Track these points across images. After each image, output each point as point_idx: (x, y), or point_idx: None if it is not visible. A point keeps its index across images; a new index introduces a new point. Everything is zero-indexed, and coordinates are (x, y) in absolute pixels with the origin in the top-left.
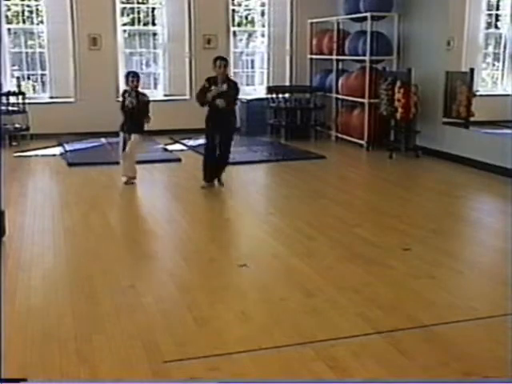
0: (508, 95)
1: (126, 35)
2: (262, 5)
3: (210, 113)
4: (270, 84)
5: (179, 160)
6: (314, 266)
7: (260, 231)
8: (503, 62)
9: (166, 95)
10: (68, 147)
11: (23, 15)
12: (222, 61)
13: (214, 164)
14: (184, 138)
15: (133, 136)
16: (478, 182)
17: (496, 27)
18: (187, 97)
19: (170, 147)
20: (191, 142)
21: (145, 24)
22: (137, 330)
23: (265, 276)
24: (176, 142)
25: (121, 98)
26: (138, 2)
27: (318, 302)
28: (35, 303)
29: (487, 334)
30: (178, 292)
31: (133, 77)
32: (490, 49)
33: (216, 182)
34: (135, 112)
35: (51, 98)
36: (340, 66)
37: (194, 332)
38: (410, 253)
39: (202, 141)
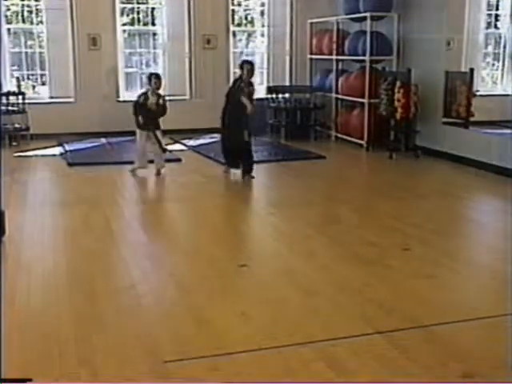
0: (508, 95)
1: (126, 35)
2: (262, 5)
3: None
4: (270, 84)
5: (179, 160)
6: (314, 266)
7: (260, 231)
8: (503, 62)
9: (166, 95)
10: (68, 147)
11: (23, 15)
12: (249, 65)
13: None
14: (184, 138)
15: (158, 132)
16: (477, 182)
17: (496, 27)
18: (187, 97)
19: (170, 147)
20: (191, 142)
21: (144, 24)
22: (137, 330)
23: (265, 276)
24: (176, 142)
25: (135, 98)
26: (138, 2)
27: (318, 302)
28: (35, 303)
29: (487, 333)
30: (179, 292)
31: (156, 78)
32: (490, 49)
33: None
34: (158, 112)
35: (51, 97)
36: (340, 66)
37: (194, 332)
38: (410, 253)
39: (202, 141)
